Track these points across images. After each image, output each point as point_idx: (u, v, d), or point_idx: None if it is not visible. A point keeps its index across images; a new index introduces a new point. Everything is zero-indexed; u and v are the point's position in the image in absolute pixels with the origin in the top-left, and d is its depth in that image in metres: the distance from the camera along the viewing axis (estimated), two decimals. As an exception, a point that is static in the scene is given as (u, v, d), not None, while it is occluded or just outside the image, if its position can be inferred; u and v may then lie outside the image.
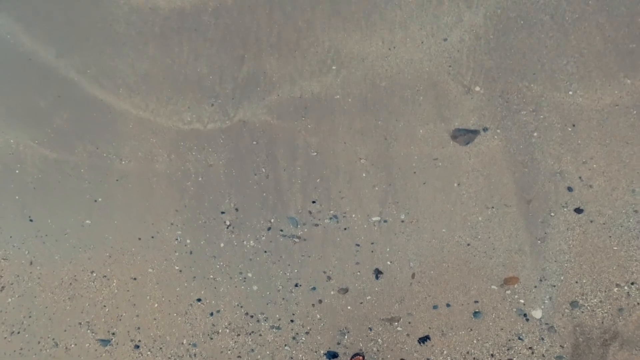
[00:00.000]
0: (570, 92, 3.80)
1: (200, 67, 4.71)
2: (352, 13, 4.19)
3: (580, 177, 3.84)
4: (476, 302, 3.99)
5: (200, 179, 4.86)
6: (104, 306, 5.07)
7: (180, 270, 4.91)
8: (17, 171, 5.41)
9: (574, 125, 3.86)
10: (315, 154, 4.46)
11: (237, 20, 4.64)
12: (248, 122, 4.66)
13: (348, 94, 4.31)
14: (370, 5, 4.12)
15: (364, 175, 4.31)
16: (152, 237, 5.01)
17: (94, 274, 5.14)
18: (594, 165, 3.83)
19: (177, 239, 4.91)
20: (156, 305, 4.91)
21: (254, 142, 4.66)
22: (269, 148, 4.58)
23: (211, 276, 4.81)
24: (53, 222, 5.33)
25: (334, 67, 4.38)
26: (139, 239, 5.04)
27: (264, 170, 4.63)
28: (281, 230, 4.61)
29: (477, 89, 4.00)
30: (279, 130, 4.51)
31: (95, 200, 5.13)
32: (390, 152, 4.27)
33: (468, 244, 4.04)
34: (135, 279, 5.02)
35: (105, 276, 5.12)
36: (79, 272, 5.20)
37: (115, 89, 5.11)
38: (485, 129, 4.03)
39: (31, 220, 5.36)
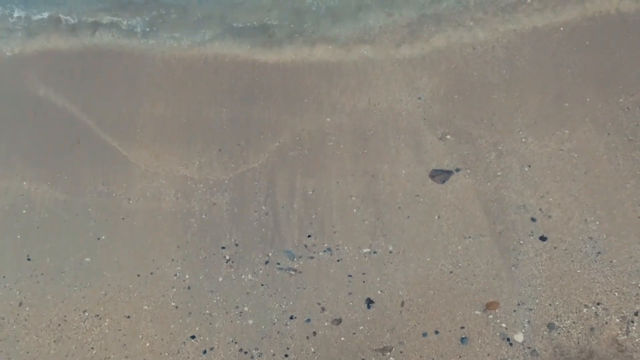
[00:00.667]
0: (523, 140, 3.39)
1: (211, 116, 3.99)
2: (345, 78, 3.74)
3: (540, 209, 3.28)
4: (462, 327, 3.09)
5: (204, 216, 3.87)
6: (92, 348, 3.65)
7: (177, 307, 3.67)
8: (24, 211, 4.17)
9: (529, 166, 3.39)
10: (311, 192, 3.67)
11: (246, 75, 4.08)
12: (251, 165, 3.86)
13: (340, 141, 3.68)
14: (360, 73, 3.69)
15: (354, 211, 3.54)
16: (152, 273, 3.81)
17: (86, 313, 3.77)
18: (550, 199, 3.30)
19: (176, 275, 3.74)
20: (148, 344, 3.56)
21: (256, 182, 3.81)
22: (270, 188, 3.76)
23: (207, 311, 3.61)
24: (52, 260, 4.01)
25: (328, 120, 3.81)
26: (138, 275, 3.82)
27: (263, 208, 3.75)
28: (278, 264, 3.62)
29: (448, 137, 3.52)
30: (279, 172, 3.73)
31: (99, 238, 3.95)
32: (377, 190, 3.58)
33: (451, 272, 3.23)
34: (129, 317, 3.70)
35: (97, 315, 3.76)
36: (70, 312, 3.80)
37: (132, 136, 4.22)
38: (457, 170, 3.47)
39: (29, 259, 4.02)
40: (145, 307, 3.75)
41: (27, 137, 4.38)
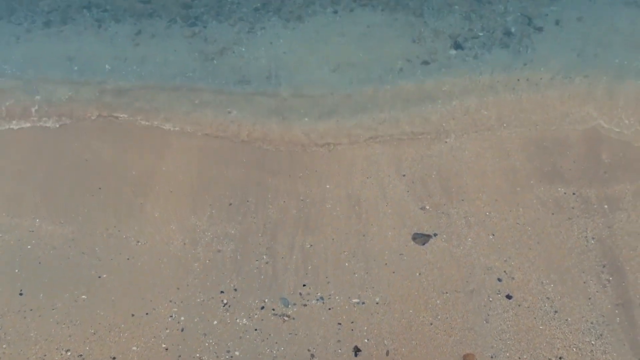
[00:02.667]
0: (487, 214, 4.35)
1: (227, 175, 4.83)
2: (343, 155, 4.79)
3: (505, 271, 4.06)
4: (443, 377, 3.53)
5: (207, 261, 4.39)
6: (65, 394, 3.70)
7: (167, 349, 3.91)
8: (29, 246, 4.55)
9: (493, 234, 4.28)
10: (309, 246, 4.36)
11: (259, 147, 5.07)
12: (257, 220, 4.59)
13: (337, 205, 4.54)
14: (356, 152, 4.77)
15: (346, 264, 4.21)
16: (147, 313, 4.11)
17: (69, 353, 3.91)
18: (512, 263, 4.11)
19: (171, 316, 4.07)
20: (128, 389, 3.68)
21: (260, 235, 4.49)
22: (272, 240, 4.42)
23: (197, 354, 3.86)
24: (45, 296, 4.26)
25: (327, 186, 4.73)
26: (132, 315, 4.11)
27: (264, 257, 4.34)
28: (273, 310, 4.06)
29: (428, 207, 4.45)
30: (282, 228, 4.46)
31: (100, 277, 4.31)
32: (367, 247, 4.30)
33: (431, 323, 3.81)
34: (114, 358, 3.86)
35: (80, 355, 3.91)
36: (51, 351, 3.93)
37: (150, 187, 4.93)
38: (435, 234, 4.31)
39: (21, 294, 4.26)
40: (134, 348, 3.93)
41: (50, 180, 4.99)
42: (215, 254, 4.31)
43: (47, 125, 5.28)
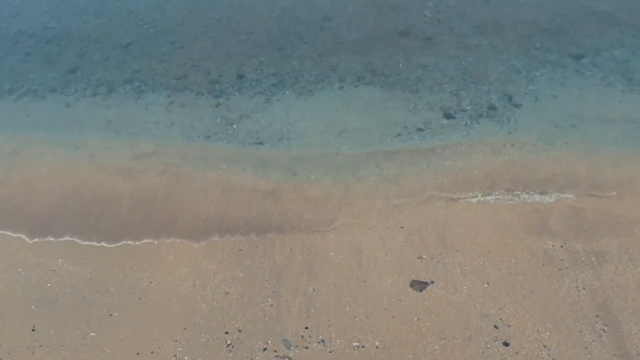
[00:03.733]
0: (481, 263, 4.73)
1: (235, 223, 5.35)
2: (347, 209, 5.36)
3: (500, 319, 4.30)
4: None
5: (215, 302, 4.71)
6: None
7: None
8: (49, 284, 4.96)
9: (488, 283, 4.60)
10: (312, 291, 4.69)
11: (268, 198, 5.64)
12: (265, 265, 4.99)
13: (340, 253, 4.97)
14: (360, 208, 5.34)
15: (347, 309, 4.48)
16: (152, 352, 4.34)
17: None
18: (508, 311, 4.36)
19: (175, 355, 4.29)
20: None
21: (266, 279, 4.86)
22: (277, 284, 4.77)
23: None
24: (56, 333, 4.55)
25: (331, 236, 5.20)
26: (138, 353, 4.34)
27: (269, 300, 4.65)
28: (275, 352, 4.27)
29: (425, 256, 4.86)
30: (287, 273, 4.85)
31: (111, 315, 4.63)
32: (367, 293, 4.62)
33: None
34: None
35: None
36: None
37: (169, 231, 5.45)
38: (432, 282, 4.65)
39: (33, 330, 4.57)
40: (136, 387, 4.08)
41: (80, 226, 5.56)
42: (223, 296, 4.63)
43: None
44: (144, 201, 5.45)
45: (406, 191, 5.39)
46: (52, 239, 5.25)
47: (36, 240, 5.21)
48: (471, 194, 5.26)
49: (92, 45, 8.34)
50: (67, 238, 5.24)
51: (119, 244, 5.11)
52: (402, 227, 5.03)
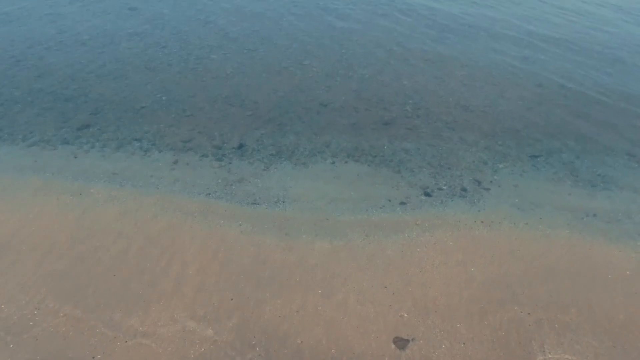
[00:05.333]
0: (458, 325, 5.33)
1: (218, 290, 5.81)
2: (334, 267, 5.99)
3: None
4: None
5: (202, 349, 4.97)
6: None
7: None
8: (31, 323, 5.13)
9: (464, 344, 5.15)
10: (300, 342, 5.09)
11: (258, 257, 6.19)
12: (251, 320, 5.38)
13: (325, 308, 5.47)
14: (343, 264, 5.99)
15: None
16: None
17: None
18: None
19: None
20: None
21: (254, 336, 5.22)
22: (266, 340, 5.14)
23: None
24: None
25: (319, 291, 5.74)
26: None
27: (257, 350, 4.98)
28: None
29: (405, 315, 5.44)
30: (275, 326, 5.25)
31: (93, 357, 4.81)
32: (353, 347, 5.06)
33: None
34: None
35: None
36: None
37: (162, 282, 5.81)
38: (413, 339, 5.16)
39: None
40: None
41: (66, 262, 5.85)
42: (212, 344, 4.90)
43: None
44: (140, 253, 5.85)
45: (389, 256, 6.10)
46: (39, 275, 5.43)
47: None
48: (448, 262, 6.01)
49: (107, 106, 9.36)
50: (52, 277, 5.42)
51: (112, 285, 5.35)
52: (385, 287, 5.62)
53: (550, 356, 4.80)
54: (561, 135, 9.15)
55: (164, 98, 9.85)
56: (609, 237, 6.60)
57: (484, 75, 11.50)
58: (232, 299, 5.28)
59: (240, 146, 8.42)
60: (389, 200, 7.18)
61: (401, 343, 4.88)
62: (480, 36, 13.61)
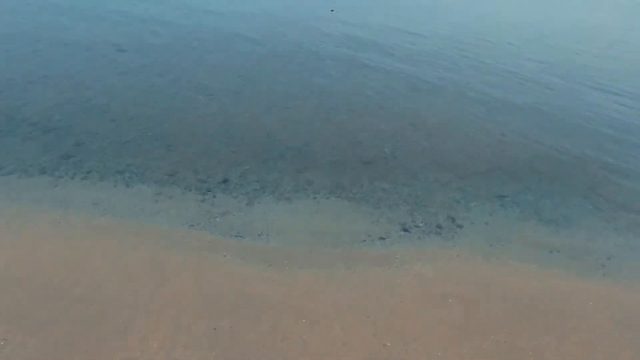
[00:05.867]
0: (439, 354, 5.55)
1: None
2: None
3: None
4: None
5: None
6: None
7: None
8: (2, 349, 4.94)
9: None
10: None
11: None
12: (235, 347, 5.41)
13: (311, 338, 5.59)
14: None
15: None
16: None
17: None
18: None
19: None
20: None
21: None
22: None
23: None
24: None
25: (304, 337, 5.86)
26: None
27: None
28: None
29: (388, 344, 5.60)
30: (256, 356, 5.28)
31: None
32: None
33: None
34: None
35: None
36: None
37: (143, 309, 5.76)
38: None
39: None
40: None
41: (41, 290, 5.71)
42: None
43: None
44: (122, 280, 5.82)
45: (371, 287, 6.33)
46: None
47: None
48: (426, 292, 6.30)
49: (90, 138, 9.50)
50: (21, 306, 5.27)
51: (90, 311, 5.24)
52: (368, 317, 5.79)
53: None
54: (525, 179, 10.02)
55: (149, 133, 10.10)
56: (573, 271, 7.15)
57: (453, 125, 12.59)
58: (215, 329, 5.27)
59: (225, 180, 8.67)
60: (369, 235, 7.52)
61: (385, 372, 4.99)
62: (447, 93, 15.00)
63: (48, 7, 20.28)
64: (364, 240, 7.36)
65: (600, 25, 32.84)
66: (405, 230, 7.74)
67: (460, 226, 8.04)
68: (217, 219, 7.46)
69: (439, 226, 7.97)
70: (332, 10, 28.71)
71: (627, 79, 18.66)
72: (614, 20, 37.23)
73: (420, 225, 7.94)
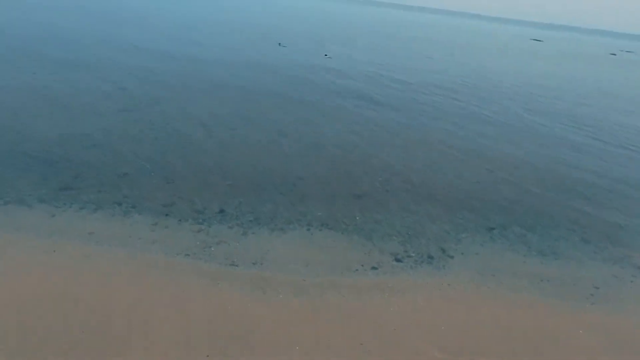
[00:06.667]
0: None
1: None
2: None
3: None
4: None
5: None
6: None
7: None
8: None
9: None
10: None
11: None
12: None
13: None
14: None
15: None
16: None
17: None
18: None
19: None
20: None
21: None
22: None
23: None
24: None
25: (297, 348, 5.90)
26: None
27: None
28: None
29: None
30: None
31: None
32: None
33: None
34: None
35: None
36: None
37: (140, 335, 5.79)
38: None
39: None
40: None
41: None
42: None
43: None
44: (120, 306, 5.88)
45: (365, 316, 6.44)
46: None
47: None
48: (419, 319, 6.42)
49: (89, 170, 9.80)
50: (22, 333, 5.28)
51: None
52: (361, 344, 5.87)
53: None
54: (512, 212, 10.40)
55: (147, 166, 10.44)
56: (562, 299, 7.33)
57: (443, 161, 13.16)
58: (207, 356, 5.31)
59: (220, 212, 8.91)
60: (362, 265, 7.71)
61: (378, 399, 5.01)
62: (435, 132, 15.76)
63: (47, 58, 21.33)
64: (357, 270, 7.52)
65: (569, 77, 35.00)
66: (398, 260, 7.94)
67: (451, 256, 8.26)
68: (212, 248, 7.62)
69: (430, 256, 8.19)
70: (326, 55, 30.54)
71: (604, 125, 19.80)
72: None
73: (412, 255, 8.16)
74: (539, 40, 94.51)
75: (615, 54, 77.28)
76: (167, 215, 8.47)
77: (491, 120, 18.19)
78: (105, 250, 7.11)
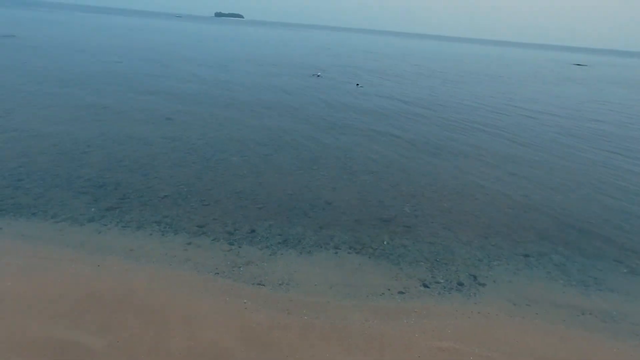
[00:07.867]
0: None
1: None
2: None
3: None
4: None
5: None
6: None
7: None
8: None
9: None
10: None
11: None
12: None
13: None
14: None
15: None
16: None
17: None
18: None
19: None
20: None
21: None
22: None
23: None
24: None
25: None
26: None
27: None
28: None
29: None
30: None
31: None
32: None
33: None
34: None
35: None
36: None
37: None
38: None
39: None
40: None
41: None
42: None
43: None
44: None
45: (389, 339, 6.32)
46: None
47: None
48: (445, 347, 6.19)
49: (134, 193, 10.53)
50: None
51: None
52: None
53: None
54: (550, 240, 9.89)
55: (185, 189, 11.07)
56: (606, 335, 6.78)
57: (475, 185, 12.86)
58: (230, 371, 5.39)
59: (251, 232, 9.20)
60: (389, 289, 7.60)
61: None
62: (469, 156, 15.51)
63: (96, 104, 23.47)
64: (383, 294, 7.42)
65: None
66: (425, 286, 7.76)
67: (482, 284, 7.95)
68: (241, 268, 7.85)
69: (460, 283, 7.93)
70: (358, 84, 31.31)
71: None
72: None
73: (441, 281, 7.95)
74: (583, 65, 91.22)
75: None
76: (200, 234, 8.86)
77: (528, 144, 17.58)
78: (143, 266, 7.53)
